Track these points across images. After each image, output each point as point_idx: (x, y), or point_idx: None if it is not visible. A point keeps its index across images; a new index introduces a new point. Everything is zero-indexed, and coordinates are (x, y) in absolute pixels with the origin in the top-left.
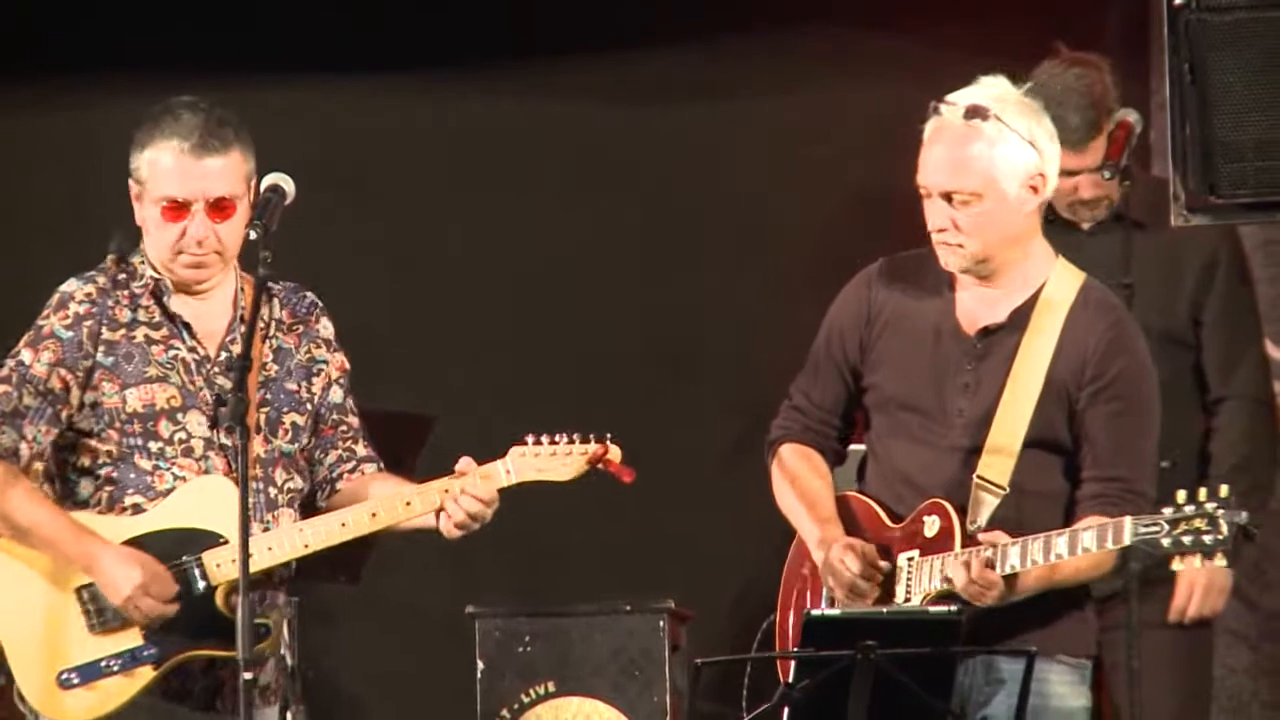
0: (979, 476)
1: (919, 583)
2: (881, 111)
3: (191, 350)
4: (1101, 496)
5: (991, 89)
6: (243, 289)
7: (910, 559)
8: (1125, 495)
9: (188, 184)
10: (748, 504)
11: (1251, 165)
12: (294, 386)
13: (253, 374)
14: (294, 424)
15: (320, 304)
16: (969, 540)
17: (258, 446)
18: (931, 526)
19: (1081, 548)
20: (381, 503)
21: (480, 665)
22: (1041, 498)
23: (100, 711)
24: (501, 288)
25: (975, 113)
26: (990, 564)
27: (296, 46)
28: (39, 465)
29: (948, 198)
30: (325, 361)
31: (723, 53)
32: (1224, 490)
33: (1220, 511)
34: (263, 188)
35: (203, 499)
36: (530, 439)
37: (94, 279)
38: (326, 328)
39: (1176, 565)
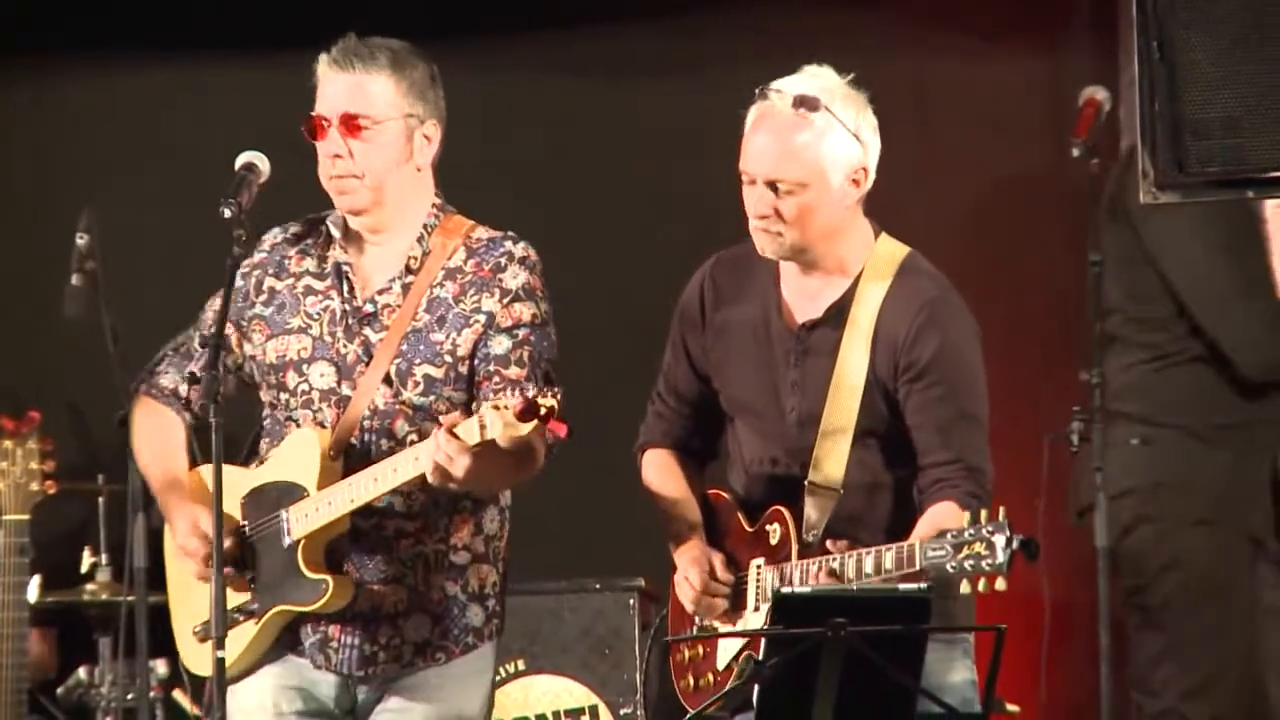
0: (810, 482)
1: (765, 590)
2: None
3: (346, 302)
4: (942, 481)
5: (818, 79)
6: (424, 238)
7: (759, 566)
8: (964, 474)
9: (325, 97)
10: (717, 482)
11: (1219, 142)
12: (440, 338)
13: (400, 324)
14: (427, 376)
15: (518, 254)
16: (805, 549)
17: (379, 398)
18: (774, 535)
19: (884, 569)
20: (384, 464)
21: None
22: (880, 489)
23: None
24: None
25: (804, 103)
26: (834, 574)
27: (266, 23)
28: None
29: (772, 186)
30: (490, 313)
31: (697, 28)
32: (1001, 513)
33: (996, 535)
34: (237, 165)
35: (296, 451)
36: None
37: (292, 226)
38: (515, 277)
39: (964, 589)
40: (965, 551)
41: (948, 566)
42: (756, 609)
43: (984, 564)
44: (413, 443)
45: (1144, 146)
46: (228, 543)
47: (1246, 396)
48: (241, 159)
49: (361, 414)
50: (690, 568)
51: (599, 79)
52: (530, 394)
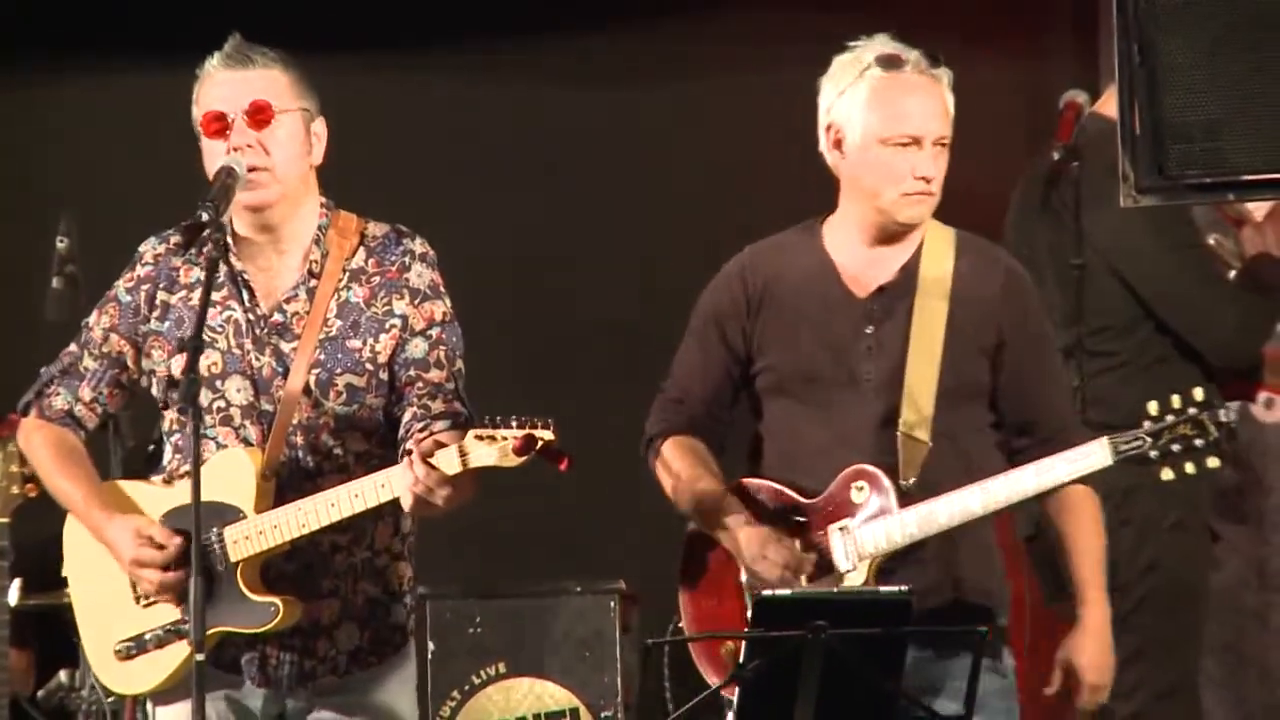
0: (902, 433)
1: (860, 549)
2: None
3: (248, 311)
4: (1053, 438)
5: (891, 43)
6: (320, 240)
7: (842, 529)
8: (1067, 430)
9: (223, 94)
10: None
11: (1199, 146)
12: (357, 344)
13: (311, 331)
14: (350, 386)
15: (418, 250)
16: (906, 498)
17: (300, 412)
18: (860, 492)
19: (1056, 479)
20: (342, 490)
21: (431, 646)
22: (963, 452)
23: (153, 683)
24: (453, 267)
25: (935, 60)
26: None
27: (252, 28)
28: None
29: (939, 145)
30: (404, 315)
31: (679, 34)
32: (1199, 393)
33: (1204, 414)
34: (216, 169)
35: (226, 471)
36: (488, 421)
37: (168, 237)
38: (420, 276)
39: (1166, 475)
40: (1168, 436)
41: (1149, 454)
42: (852, 569)
43: (1195, 443)
44: (338, 455)
45: (1124, 150)
46: (175, 550)
47: (1244, 375)
48: (220, 163)
49: (287, 430)
50: (768, 546)
51: (597, 82)
52: (525, 425)
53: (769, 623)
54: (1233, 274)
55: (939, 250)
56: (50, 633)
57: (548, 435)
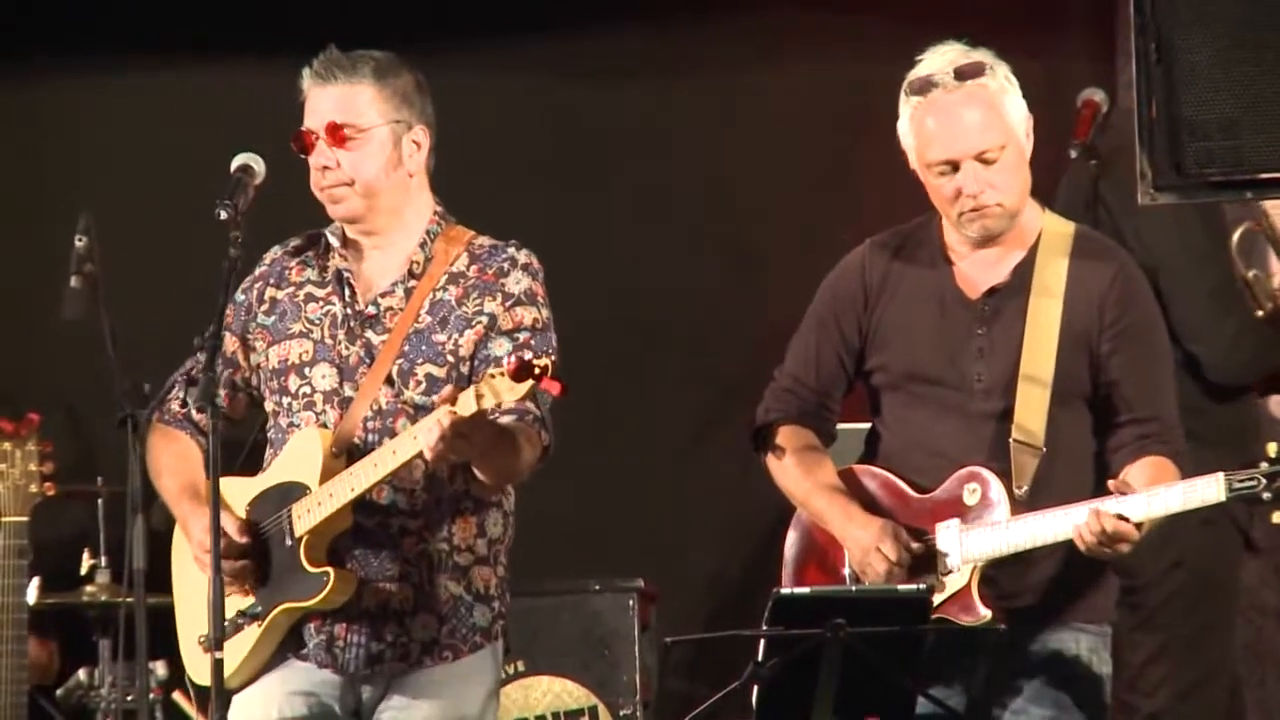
0: (1016, 440)
1: (966, 551)
2: (844, 87)
3: (347, 306)
4: (1149, 437)
5: (953, 52)
6: (426, 244)
7: (947, 528)
8: (1169, 432)
9: (311, 112)
10: (717, 483)
11: (1218, 144)
12: (442, 338)
13: (402, 325)
14: (429, 375)
15: (521, 260)
16: (1018, 506)
17: (382, 398)
18: (972, 495)
19: (1166, 508)
20: (384, 448)
21: None
22: (1072, 455)
23: (229, 671)
24: None
25: (970, 72)
26: (1123, 517)
27: (264, 25)
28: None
29: (981, 159)
30: (492, 315)
31: (688, 30)
32: None
33: None
34: (232, 167)
35: (299, 451)
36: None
37: (292, 241)
38: (518, 282)
39: (1277, 518)
40: None
41: (1262, 495)
42: (951, 571)
43: None
44: None
45: (1142, 148)
46: (244, 540)
47: (1237, 393)
48: (236, 161)
49: (364, 413)
50: (884, 540)
51: (598, 79)
52: (526, 356)
53: (787, 621)
54: (1260, 313)
55: (1055, 249)
56: (70, 631)
57: (543, 362)
